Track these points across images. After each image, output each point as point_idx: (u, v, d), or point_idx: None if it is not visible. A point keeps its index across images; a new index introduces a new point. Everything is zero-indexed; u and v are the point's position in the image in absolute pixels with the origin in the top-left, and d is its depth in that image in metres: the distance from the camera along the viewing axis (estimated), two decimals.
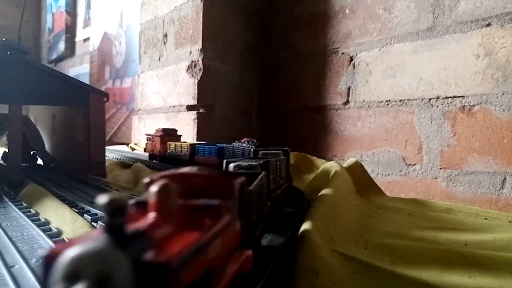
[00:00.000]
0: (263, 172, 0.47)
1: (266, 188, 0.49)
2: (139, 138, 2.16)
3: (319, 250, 0.48)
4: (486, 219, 0.78)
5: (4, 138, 1.42)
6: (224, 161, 0.52)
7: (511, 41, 1.04)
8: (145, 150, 1.52)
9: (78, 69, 3.38)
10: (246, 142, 0.92)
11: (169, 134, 1.43)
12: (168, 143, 1.34)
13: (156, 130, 1.45)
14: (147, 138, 1.50)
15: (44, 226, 0.63)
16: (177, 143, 1.30)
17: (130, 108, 2.51)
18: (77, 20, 3.48)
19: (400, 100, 1.31)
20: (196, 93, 1.71)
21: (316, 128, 1.61)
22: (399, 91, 1.31)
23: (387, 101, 1.35)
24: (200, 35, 1.70)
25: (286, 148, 0.73)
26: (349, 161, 1.06)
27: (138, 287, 0.17)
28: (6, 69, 1.01)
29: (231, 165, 0.50)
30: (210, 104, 1.75)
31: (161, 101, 1.96)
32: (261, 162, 0.52)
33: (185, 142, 1.31)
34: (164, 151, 1.37)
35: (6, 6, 3.85)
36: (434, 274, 0.49)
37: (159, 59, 1.98)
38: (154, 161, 1.43)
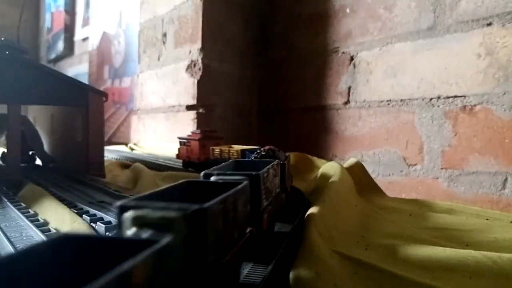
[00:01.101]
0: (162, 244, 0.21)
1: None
2: (138, 138, 2.15)
3: (320, 250, 0.48)
4: (487, 219, 0.78)
5: (3, 138, 1.41)
6: (119, 203, 0.26)
7: None
8: (177, 156, 1.29)
9: (77, 68, 3.37)
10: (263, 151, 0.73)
11: (209, 137, 1.19)
12: (211, 148, 1.09)
13: (193, 132, 1.23)
14: (180, 141, 1.27)
15: (43, 226, 0.63)
16: (223, 147, 1.06)
17: (129, 108, 2.50)
18: (76, 19, 3.47)
19: (401, 100, 1.31)
20: (196, 93, 1.71)
21: (316, 128, 1.60)
22: (400, 90, 1.31)
23: (387, 100, 1.35)
24: (200, 35, 1.69)
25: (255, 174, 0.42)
26: (350, 161, 1.05)
27: None
28: (5, 69, 1.00)
29: (128, 216, 0.24)
30: (210, 104, 1.74)
31: (160, 100, 1.96)
32: (190, 212, 0.25)
33: (231, 146, 1.08)
34: (205, 158, 1.13)
35: (4, 6, 3.84)
36: (435, 275, 0.49)
37: (159, 59, 1.98)
38: (190, 169, 1.22)
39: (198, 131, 1.21)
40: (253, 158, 0.67)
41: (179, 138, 1.28)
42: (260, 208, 0.43)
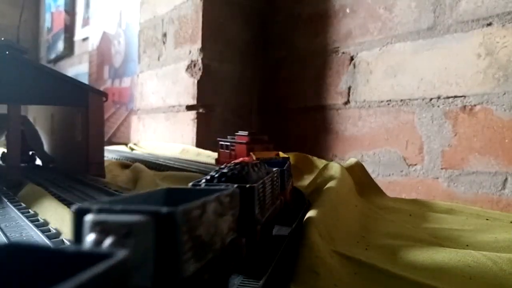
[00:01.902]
0: None
1: None
2: (138, 138, 2.15)
3: (320, 250, 0.48)
4: (487, 219, 0.78)
5: (3, 138, 1.41)
6: None
7: None
8: (217, 161, 1.15)
9: (77, 68, 3.37)
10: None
11: (257, 140, 1.05)
12: (251, 153, 0.95)
13: (237, 135, 1.08)
14: (221, 145, 1.12)
15: (43, 226, 0.63)
16: (256, 153, 0.92)
17: (129, 108, 2.50)
18: (76, 19, 3.47)
19: (401, 100, 1.31)
20: (196, 93, 1.70)
21: (316, 128, 1.60)
22: (400, 90, 1.31)
23: (388, 100, 1.35)
24: (200, 35, 1.69)
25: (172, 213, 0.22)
26: (350, 161, 1.05)
27: None
28: (5, 69, 1.00)
29: None
30: (210, 104, 1.74)
31: (160, 100, 1.96)
32: None
33: (278, 153, 0.95)
34: None
35: (4, 6, 3.84)
36: (435, 275, 0.48)
37: (158, 59, 1.98)
38: None
39: (245, 133, 1.06)
40: (204, 181, 0.42)
41: (220, 140, 1.14)
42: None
